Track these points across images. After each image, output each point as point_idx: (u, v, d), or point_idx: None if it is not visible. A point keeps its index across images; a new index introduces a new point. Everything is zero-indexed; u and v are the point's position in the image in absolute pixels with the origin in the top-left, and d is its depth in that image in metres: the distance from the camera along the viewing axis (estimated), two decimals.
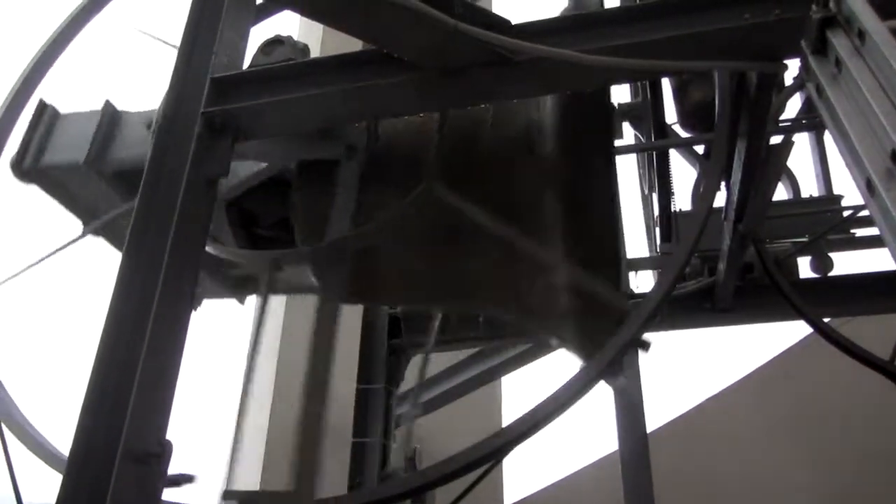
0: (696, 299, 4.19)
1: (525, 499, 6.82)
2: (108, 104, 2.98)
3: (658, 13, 2.32)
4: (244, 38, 2.68)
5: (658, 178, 4.79)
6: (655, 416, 6.57)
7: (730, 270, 3.72)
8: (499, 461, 2.57)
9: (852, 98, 1.78)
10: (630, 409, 4.78)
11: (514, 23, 2.31)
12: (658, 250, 5.20)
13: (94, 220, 3.03)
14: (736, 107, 2.64)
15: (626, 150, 4.93)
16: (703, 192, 2.52)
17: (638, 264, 5.49)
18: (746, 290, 4.08)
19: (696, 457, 6.22)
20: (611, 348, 2.27)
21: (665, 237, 4.96)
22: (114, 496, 1.89)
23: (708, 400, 6.56)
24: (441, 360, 5.21)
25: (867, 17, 1.85)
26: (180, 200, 2.34)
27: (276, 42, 2.69)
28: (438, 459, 2.21)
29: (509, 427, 2.25)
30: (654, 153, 4.78)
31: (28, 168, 2.91)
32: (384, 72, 2.33)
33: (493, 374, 5.02)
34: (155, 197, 2.40)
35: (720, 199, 3.14)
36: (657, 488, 4.71)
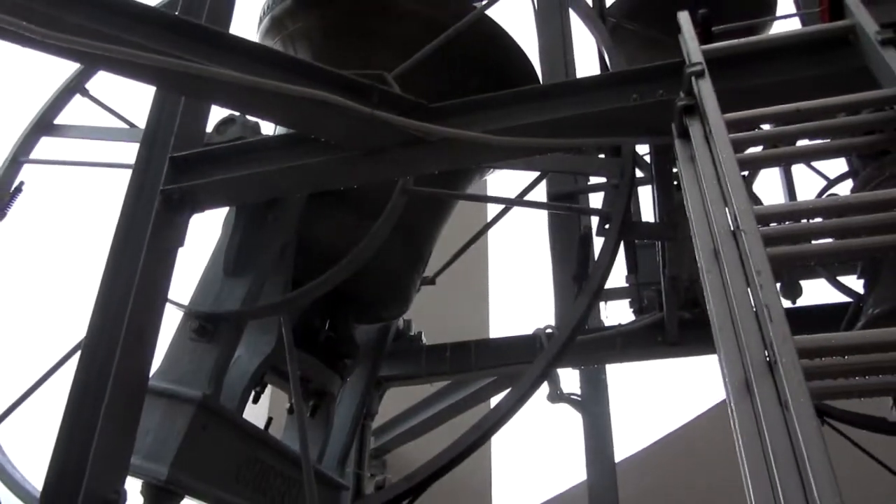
0: (649, 332, 4.41)
1: None
2: None
3: (557, 94, 2.62)
4: (203, 119, 3.01)
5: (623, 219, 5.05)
6: (634, 442, 6.80)
7: (670, 307, 3.96)
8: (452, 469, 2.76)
9: (694, 183, 2.05)
10: (598, 437, 5.00)
11: (428, 105, 2.61)
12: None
13: None
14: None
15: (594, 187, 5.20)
16: (603, 245, 2.77)
17: (609, 294, 5.77)
18: (695, 323, 4.28)
19: (669, 483, 6.40)
20: (528, 377, 2.53)
21: (631, 269, 5.19)
22: None
23: (682, 427, 6.74)
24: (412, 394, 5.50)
25: (710, 108, 2.12)
26: (141, 266, 2.66)
27: (228, 121, 3.00)
28: None
29: (462, 437, 2.50)
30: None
31: None
32: (314, 152, 2.63)
33: (463, 406, 5.26)
34: (121, 264, 2.73)
35: None
36: None
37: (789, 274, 4.67)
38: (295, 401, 3.02)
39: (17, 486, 3.09)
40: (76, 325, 3.18)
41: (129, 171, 2.91)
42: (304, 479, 2.69)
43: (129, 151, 3.33)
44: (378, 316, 4.16)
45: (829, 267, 4.24)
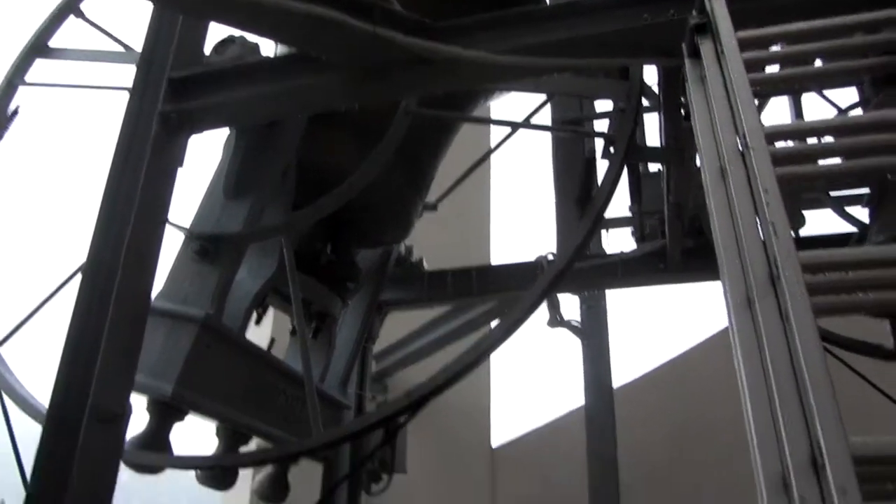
0: (650, 260, 4.42)
1: (509, 442, 7.21)
2: None
3: (566, 13, 2.54)
4: (202, 40, 2.94)
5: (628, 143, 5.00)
6: (632, 368, 6.89)
7: (673, 234, 3.95)
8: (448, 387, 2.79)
9: (703, 103, 2.00)
10: (596, 363, 5.09)
11: (432, 24, 2.53)
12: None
13: None
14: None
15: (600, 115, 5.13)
16: (607, 169, 2.74)
17: (612, 223, 5.77)
18: (698, 250, 4.29)
19: (666, 410, 6.51)
20: (526, 300, 2.53)
21: (635, 199, 5.16)
22: (82, 451, 2.25)
23: (680, 355, 6.81)
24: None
25: (723, 26, 2.06)
26: (141, 188, 2.64)
27: (227, 42, 2.93)
28: None
29: (460, 358, 2.52)
30: None
31: None
32: (315, 72, 2.57)
33: (463, 332, 5.32)
34: (120, 186, 2.71)
35: None
36: (630, 438, 5.05)
37: (793, 203, 4.66)
38: (297, 322, 3.04)
39: (24, 403, 3.15)
40: (77, 246, 3.19)
41: (127, 93, 2.86)
42: (306, 397, 2.73)
43: (126, 73, 3.27)
44: (379, 240, 4.16)
45: (835, 197, 4.23)
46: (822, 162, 1.83)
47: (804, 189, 3.89)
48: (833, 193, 4.34)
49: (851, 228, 4.10)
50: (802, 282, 1.31)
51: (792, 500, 1.12)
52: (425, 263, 4.87)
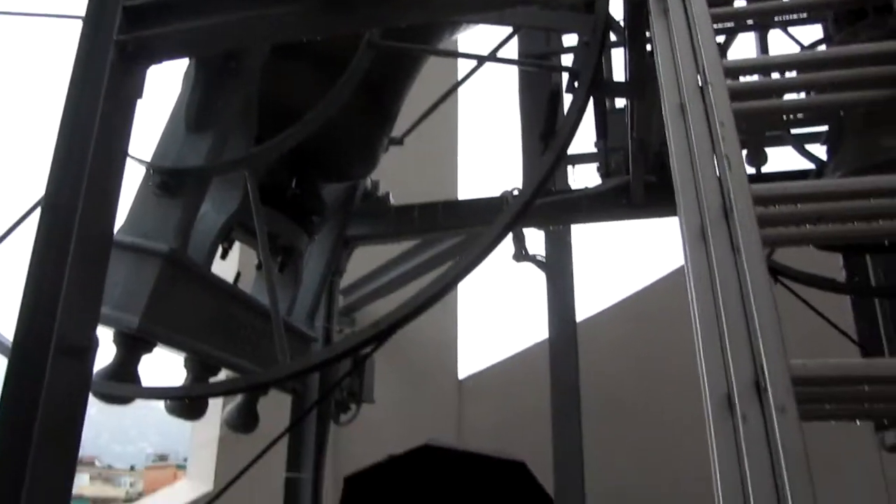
0: (615, 195, 4.47)
1: (475, 373, 7.38)
2: None
3: None
4: None
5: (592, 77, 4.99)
6: (595, 302, 7.02)
7: (636, 169, 3.99)
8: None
9: (665, 36, 2.01)
10: (560, 297, 5.18)
11: None
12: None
13: None
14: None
15: (567, 49, 5.09)
16: (570, 104, 2.74)
17: (577, 159, 5.80)
18: (661, 186, 4.34)
19: (627, 343, 6.70)
20: (490, 233, 2.56)
21: (600, 134, 5.18)
22: (49, 385, 2.26)
23: (642, 289, 6.97)
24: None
25: None
26: (99, 119, 2.59)
27: None
28: None
29: (425, 289, 2.55)
30: None
31: None
32: (276, 2, 2.51)
33: (430, 266, 5.37)
34: (77, 117, 2.66)
35: None
36: (592, 369, 5.19)
37: (756, 140, 4.73)
38: (262, 255, 3.05)
39: None
40: (35, 181, 3.13)
41: (80, 22, 2.77)
42: (273, 329, 2.76)
43: (80, 1, 3.16)
44: (344, 174, 4.14)
45: (796, 134, 4.29)
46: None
47: (765, 125, 3.95)
48: (794, 131, 4.40)
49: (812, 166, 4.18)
50: (753, 213, 1.35)
51: (735, 418, 1.18)
52: (392, 198, 4.87)
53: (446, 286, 2.33)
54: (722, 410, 1.21)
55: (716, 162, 1.52)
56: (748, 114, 1.69)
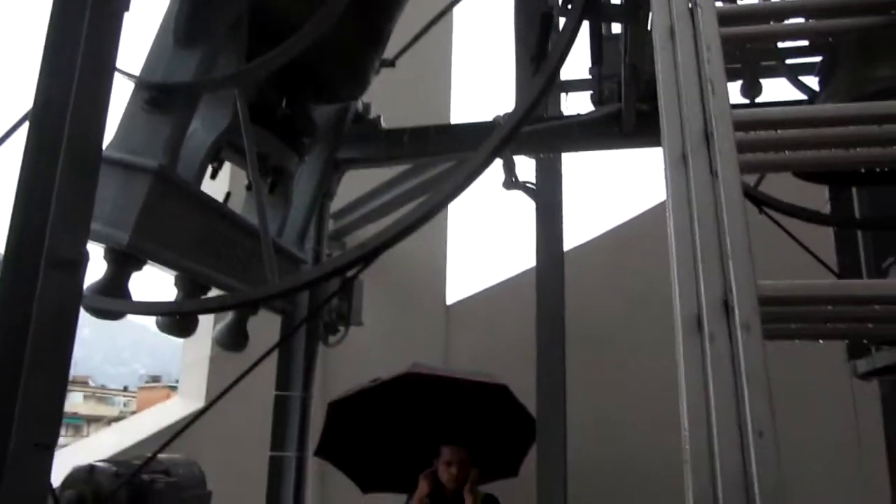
0: (606, 123, 4.45)
1: (463, 299, 7.47)
2: None
3: None
4: None
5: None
6: (584, 231, 7.06)
7: (629, 97, 3.97)
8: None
9: None
10: (548, 225, 5.20)
11: None
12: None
13: None
14: None
15: None
16: (563, 27, 2.71)
17: (571, 85, 5.75)
18: (652, 115, 4.31)
19: (614, 273, 6.77)
20: (474, 161, 2.56)
21: (595, 60, 5.12)
22: (40, 299, 2.30)
23: (632, 219, 7.00)
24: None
25: None
26: (85, 32, 2.56)
27: None
28: None
29: (411, 212, 2.56)
30: None
31: None
32: None
33: (421, 191, 5.37)
34: (63, 31, 2.62)
35: None
36: (577, 301, 5.26)
37: (752, 71, 4.69)
38: (252, 174, 3.05)
39: None
40: (23, 93, 3.09)
41: None
42: (262, 249, 2.79)
43: None
44: (335, 95, 4.11)
45: (790, 65, 4.26)
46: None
47: (756, 52, 3.93)
48: (789, 62, 4.37)
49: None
50: (732, 138, 1.37)
51: (703, 337, 1.23)
52: (383, 121, 4.84)
53: (431, 211, 2.35)
54: (691, 330, 1.26)
55: (700, 87, 1.53)
56: (736, 38, 1.68)
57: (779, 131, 1.47)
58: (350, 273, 2.71)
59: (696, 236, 1.34)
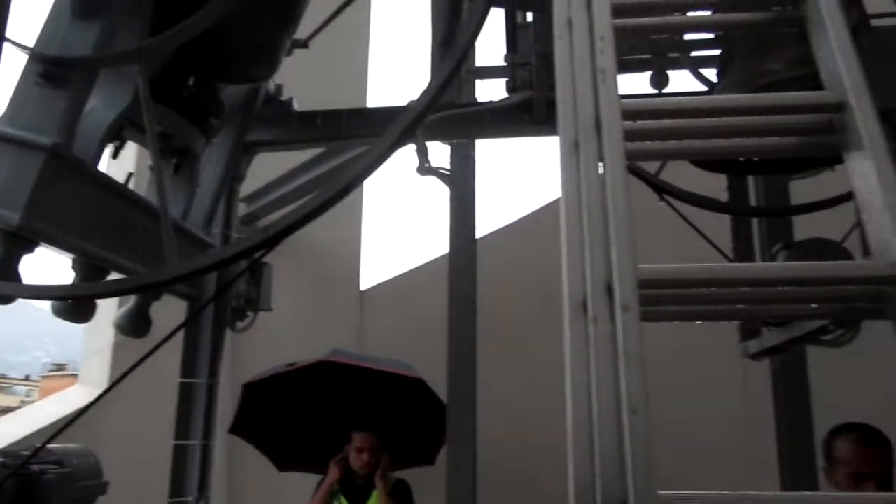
0: (518, 110, 4.51)
1: (378, 284, 7.47)
2: None
3: None
4: None
5: None
6: (497, 218, 7.15)
7: (539, 85, 4.03)
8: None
9: None
10: (462, 211, 5.24)
11: None
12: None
13: None
14: None
15: None
16: (471, 12, 2.71)
17: (485, 72, 5.80)
18: None
19: (526, 261, 6.88)
20: (381, 144, 2.54)
21: (510, 48, 5.17)
22: None
23: (541, 208, 7.12)
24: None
25: None
26: None
27: None
28: None
29: (316, 196, 2.52)
30: None
31: None
32: None
33: (336, 174, 5.32)
34: None
35: None
36: (489, 288, 5.32)
37: (660, 62, 4.84)
38: (152, 154, 2.95)
39: None
40: None
41: None
42: (162, 230, 2.71)
43: None
44: (244, 75, 4.01)
45: (693, 58, 4.41)
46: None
47: (654, 44, 4.06)
48: (695, 55, 4.53)
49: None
50: (620, 126, 1.42)
51: (587, 319, 1.27)
52: (296, 104, 4.76)
53: (336, 195, 2.32)
54: (577, 314, 1.30)
55: (594, 76, 1.57)
56: (629, 30, 1.73)
57: (664, 120, 1.53)
58: (255, 256, 2.66)
59: (585, 223, 1.38)
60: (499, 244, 6.73)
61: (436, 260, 6.86)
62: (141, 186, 3.71)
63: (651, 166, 3.83)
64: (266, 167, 5.59)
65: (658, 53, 4.53)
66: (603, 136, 1.43)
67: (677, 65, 4.66)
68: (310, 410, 5.65)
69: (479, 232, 5.48)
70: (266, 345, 6.19)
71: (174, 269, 2.41)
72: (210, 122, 3.79)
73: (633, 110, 1.49)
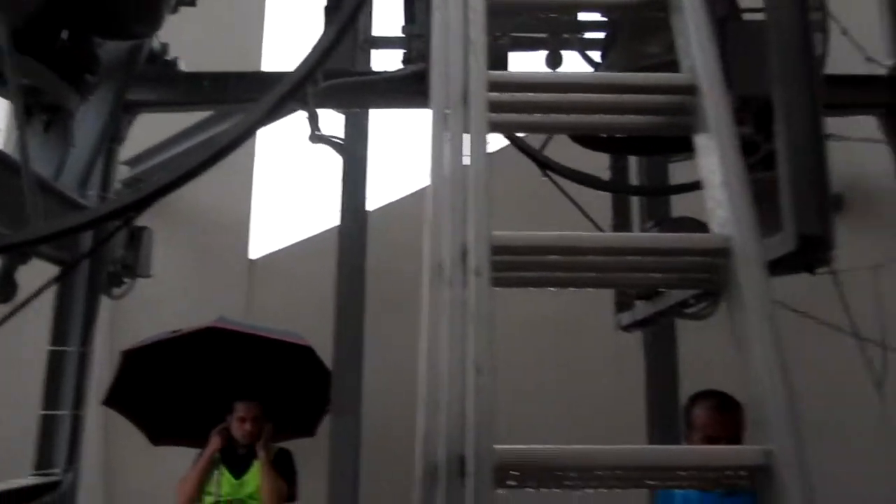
0: (412, 82, 4.50)
1: (268, 254, 7.34)
2: None
3: None
4: None
5: None
6: (390, 192, 7.15)
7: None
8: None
9: None
10: (354, 182, 5.20)
11: None
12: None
13: None
14: None
15: None
16: None
17: (381, 42, 5.74)
18: None
19: (417, 235, 6.92)
20: (260, 108, 2.48)
21: (407, 19, 5.14)
22: None
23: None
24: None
25: None
26: None
27: None
28: None
29: (190, 158, 2.44)
30: None
31: None
32: None
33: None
34: None
35: None
36: (379, 261, 5.32)
37: (554, 43, 4.94)
38: (14, 108, 2.78)
39: None
40: None
41: None
42: (24, 189, 2.57)
43: None
44: (125, 31, 3.82)
45: (582, 40, 4.54)
46: None
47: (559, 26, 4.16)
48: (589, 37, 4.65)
49: None
50: (485, 98, 1.45)
51: (444, 281, 1.31)
52: (182, 64, 4.58)
53: (211, 158, 2.27)
54: (436, 276, 1.33)
55: (465, 48, 1.60)
56: (505, 5, 1.77)
57: (529, 94, 1.58)
58: (128, 217, 2.57)
59: (447, 191, 1.41)
60: (391, 217, 6.73)
61: (329, 230, 6.78)
62: (10, 145, 3.50)
63: (536, 143, 3.92)
64: (154, 130, 5.37)
65: (553, 33, 4.63)
66: (469, 107, 1.46)
67: (569, 45, 4.78)
68: (192, 381, 5.52)
69: (374, 204, 5.47)
70: (148, 314, 5.99)
71: (38, 230, 2.30)
72: (85, 78, 3.60)
73: (500, 82, 1.53)
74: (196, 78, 4.48)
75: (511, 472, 1.16)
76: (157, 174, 5.95)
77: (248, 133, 2.29)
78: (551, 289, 1.44)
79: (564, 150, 3.96)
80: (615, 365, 5.24)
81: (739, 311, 1.32)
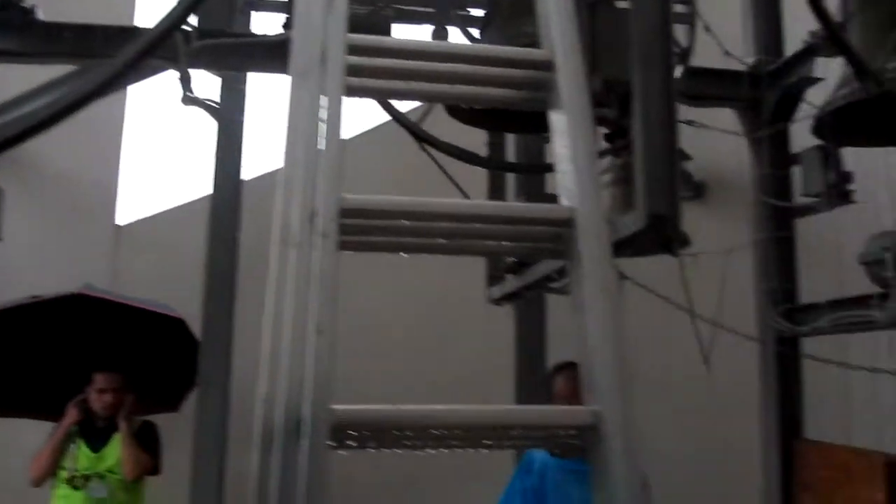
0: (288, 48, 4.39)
1: (137, 221, 7.04)
2: None
3: None
4: None
5: None
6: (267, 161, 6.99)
7: None
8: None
9: None
10: (228, 148, 5.04)
11: None
12: None
13: None
14: None
15: None
16: None
17: (259, 5, 5.56)
18: None
19: None
20: (115, 63, 2.35)
21: None
22: None
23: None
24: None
25: None
26: None
27: None
28: None
29: (33, 113, 2.28)
30: None
31: None
32: None
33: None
34: None
35: None
36: (253, 233, 5.16)
37: (440, 18, 4.94)
38: None
39: None
40: None
41: None
42: None
43: None
44: None
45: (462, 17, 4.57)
46: None
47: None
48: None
49: None
50: (343, 60, 1.44)
51: (293, 245, 1.29)
52: (41, 13, 4.27)
53: (57, 113, 2.14)
54: (283, 241, 1.31)
55: (325, 8, 1.57)
56: None
57: (390, 59, 1.57)
58: None
59: (298, 154, 1.39)
60: (268, 186, 6.58)
61: (203, 199, 6.55)
62: None
63: (414, 117, 3.92)
64: (15, 82, 4.99)
65: (438, 8, 4.63)
66: (327, 69, 1.45)
67: (452, 21, 4.80)
68: (51, 351, 5.22)
69: (251, 173, 5.31)
70: (4, 279, 5.63)
71: None
72: None
73: (359, 46, 1.52)
74: (56, 28, 4.19)
75: (349, 431, 1.17)
76: (14, 128, 5.59)
77: (100, 89, 2.17)
78: (403, 254, 1.45)
79: (444, 126, 3.98)
80: (487, 336, 5.36)
81: (578, 280, 1.38)
